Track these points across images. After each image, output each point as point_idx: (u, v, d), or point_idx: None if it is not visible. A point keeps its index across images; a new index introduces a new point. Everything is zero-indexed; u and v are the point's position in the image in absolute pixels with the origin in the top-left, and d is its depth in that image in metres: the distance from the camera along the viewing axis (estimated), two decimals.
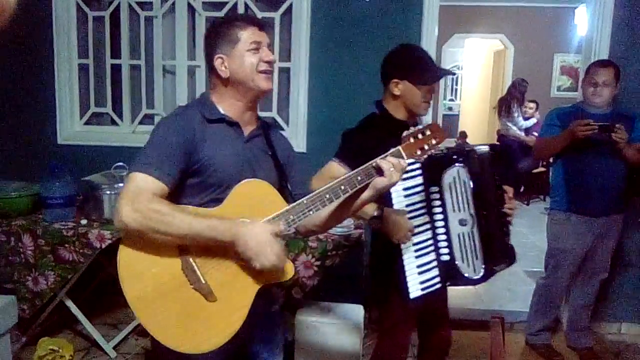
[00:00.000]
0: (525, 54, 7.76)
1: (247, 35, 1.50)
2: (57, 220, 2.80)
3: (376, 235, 2.02)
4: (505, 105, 6.67)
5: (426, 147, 1.46)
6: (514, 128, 6.56)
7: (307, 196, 1.43)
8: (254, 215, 1.42)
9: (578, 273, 3.04)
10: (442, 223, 1.89)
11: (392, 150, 1.44)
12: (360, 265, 3.37)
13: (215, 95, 1.56)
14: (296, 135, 3.38)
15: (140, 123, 3.57)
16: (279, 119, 3.46)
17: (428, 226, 1.89)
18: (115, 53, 3.54)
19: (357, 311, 2.85)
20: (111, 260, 3.23)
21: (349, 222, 2.75)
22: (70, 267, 2.75)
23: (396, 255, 1.86)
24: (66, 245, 2.72)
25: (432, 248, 1.89)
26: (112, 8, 3.47)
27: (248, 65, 1.49)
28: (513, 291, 3.97)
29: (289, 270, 1.48)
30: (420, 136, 1.46)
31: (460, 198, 1.88)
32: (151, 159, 1.40)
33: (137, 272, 1.38)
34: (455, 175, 1.87)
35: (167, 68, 3.57)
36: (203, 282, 1.40)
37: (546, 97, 7.37)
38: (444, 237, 1.89)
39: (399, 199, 1.85)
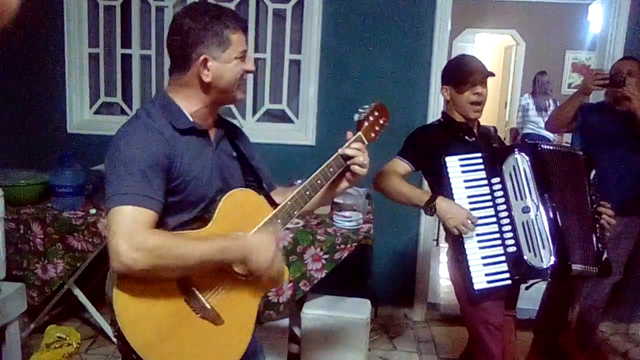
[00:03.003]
0: (537, 50, 7.69)
1: (237, 41, 1.38)
2: (66, 209, 2.81)
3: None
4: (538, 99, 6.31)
5: (377, 128, 1.58)
6: (538, 125, 6.19)
7: (290, 196, 1.46)
8: (246, 226, 1.41)
9: None
10: (505, 213, 1.92)
11: (353, 137, 1.53)
12: (369, 259, 3.37)
13: (181, 96, 1.40)
14: (306, 128, 3.37)
15: None
16: (288, 112, 3.45)
17: (493, 219, 1.92)
18: (126, 43, 3.53)
19: (364, 305, 2.85)
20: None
21: (357, 216, 2.74)
22: (79, 256, 2.76)
23: (460, 245, 1.92)
24: (75, 234, 2.73)
25: (498, 241, 1.91)
26: None
27: (234, 74, 1.39)
28: (521, 289, 3.95)
29: (285, 274, 1.51)
30: (371, 118, 1.56)
31: (521, 185, 1.93)
32: (131, 185, 1.23)
33: (138, 315, 1.26)
34: (514, 163, 1.94)
35: None
36: (208, 307, 1.35)
37: (557, 94, 7.31)
38: (508, 227, 1.92)
39: (459, 192, 1.91)
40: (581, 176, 2.03)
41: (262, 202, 1.49)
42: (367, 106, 1.58)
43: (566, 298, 3.12)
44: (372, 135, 1.57)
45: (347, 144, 1.51)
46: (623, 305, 3.38)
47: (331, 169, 1.50)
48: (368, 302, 2.89)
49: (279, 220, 1.44)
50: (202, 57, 1.34)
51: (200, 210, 1.40)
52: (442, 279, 3.86)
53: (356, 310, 2.78)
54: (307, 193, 1.47)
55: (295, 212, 1.47)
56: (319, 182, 1.49)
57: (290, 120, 3.45)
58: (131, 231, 1.20)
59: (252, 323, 1.44)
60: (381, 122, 1.59)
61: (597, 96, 3.07)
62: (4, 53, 3.30)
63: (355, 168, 1.50)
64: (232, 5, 3.37)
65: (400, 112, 3.08)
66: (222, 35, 1.35)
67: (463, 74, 2.03)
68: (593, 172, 2.06)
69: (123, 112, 3.63)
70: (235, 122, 1.69)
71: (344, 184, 1.56)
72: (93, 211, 2.82)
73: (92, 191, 2.93)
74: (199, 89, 1.39)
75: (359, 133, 1.53)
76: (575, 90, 3.01)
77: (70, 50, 3.46)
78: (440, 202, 1.91)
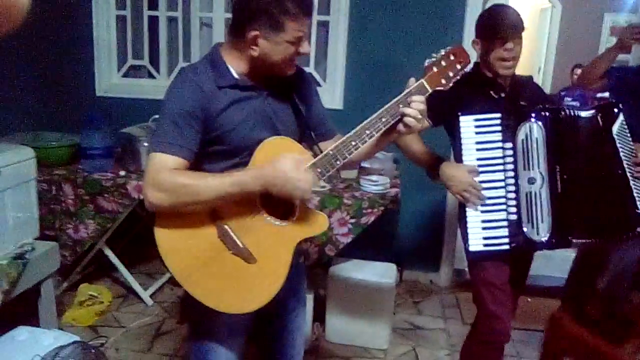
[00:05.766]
0: (574, 12, 7.41)
1: (294, 28, 1.33)
2: (96, 170, 2.85)
3: None
4: None
5: (451, 74, 1.44)
6: None
7: (334, 146, 1.40)
8: None
9: None
10: (512, 180, 1.87)
11: (414, 84, 1.42)
12: (395, 224, 3.36)
13: (231, 57, 1.42)
14: (333, 91, 3.33)
15: None
16: (315, 75, 3.40)
17: (500, 184, 1.87)
18: (153, 5, 3.51)
19: (389, 269, 2.85)
20: (148, 211, 3.29)
21: (385, 180, 2.71)
22: (110, 217, 2.81)
23: (462, 206, 1.90)
24: (105, 195, 2.77)
25: (502, 207, 1.87)
26: None
27: (283, 55, 1.37)
28: (549, 256, 3.89)
29: (323, 223, 1.47)
30: (443, 63, 1.43)
31: (531, 154, 1.86)
32: (166, 135, 1.35)
33: (175, 247, 1.40)
34: (528, 132, 1.86)
35: (204, 20, 3.53)
36: (241, 245, 1.40)
37: (589, 60, 7.06)
38: (513, 195, 1.87)
39: (469, 154, 1.85)
40: (603, 136, 1.91)
41: (301, 150, 1.45)
42: (443, 50, 1.43)
43: (595, 266, 3.06)
44: (443, 81, 1.43)
45: (405, 92, 1.40)
46: None
47: (383, 119, 1.40)
48: (394, 266, 2.89)
49: (318, 169, 1.40)
50: (253, 34, 1.34)
51: (242, 158, 1.42)
52: None
53: (382, 275, 2.79)
54: (353, 143, 1.39)
55: (338, 163, 1.40)
56: (367, 132, 1.39)
57: (317, 84, 3.40)
58: (156, 174, 1.32)
59: (286, 269, 1.43)
60: (458, 66, 1.43)
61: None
62: (32, 18, 3.31)
63: (409, 120, 1.38)
64: None
65: None
66: (278, 19, 1.32)
67: (493, 28, 1.90)
68: (619, 122, 1.93)
69: (150, 75, 3.63)
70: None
71: (395, 134, 1.45)
72: (122, 173, 2.85)
73: (121, 153, 2.97)
74: (245, 56, 1.40)
75: (422, 81, 1.41)
76: None
77: (98, 13, 3.46)
78: (444, 168, 1.87)
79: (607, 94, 2.93)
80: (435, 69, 1.43)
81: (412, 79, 1.43)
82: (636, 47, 2.76)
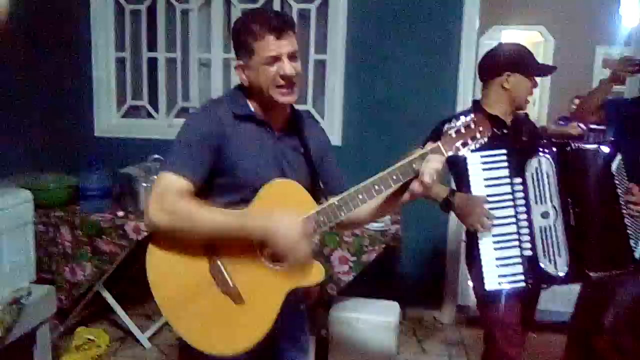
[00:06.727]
0: (566, 46, 7.52)
1: (263, 48, 1.36)
2: (95, 211, 2.83)
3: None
4: None
5: (469, 141, 1.39)
6: None
7: (339, 197, 1.38)
8: None
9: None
10: (524, 216, 1.85)
11: (431, 146, 1.37)
12: (396, 261, 3.32)
13: (247, 91, 1.48)
14: (331, 128, 3.34)
15: (176, 116, 3.58)
16: (314, 112, 3.42)
17: (511, 219, 1.85)
18: (152, 46, 3.55)
19: (392, 308, 2.81)
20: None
21: (385, 217, 2.69)
22: (107, 258, 2.78)
23: (475, 244, 1.86)
24: (103, 236, 2.75)
25: (515, 242, 1.85)
26: (149, 1, 3.49)
27: (264, 79, 1.39)
28: (554, 291, 3.84)
29: (319, 274, 1.44)
30: (462, 130, 1.39)
31: (543, 188, 1.86)
32: (178, 157, 1.37)
33: (165, 274, 1.39)
34: (537, 165, 1.87)
35: (203, 61, 3.57)
36: (231, 285, 1.38)
37: (586, 92, 7.13)
38: (526, 230, 1.85)
39: (478, 191, 1.84)
40: (603, 171, 1.93)
41: (306, 196, 1.43)
42: (464, 117, 1.40)
43: (601, 300, 3.01)
44: (460, 147, 1.38)
45: (422, 152, 1.35)
46: None
47: (394, 177, 1.34)
48: (396, 304, 2.85)
49: (321, 218, 1.37)
50: (236, 64, 1.44)
51: (247, 194, 1.41)
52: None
53: (384, 313, 2.75)
54: (360, 197, 1.35)
55: (342, 214, 1.37)
56: (376, 187, 1.35)
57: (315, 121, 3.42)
58: (162, 194, 1.33)
59: (274, 315, 1.39)
60: (477, 135, 1.38)
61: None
62: (32, 58, 3.35)
63: (425, 177, 1.30)
64: (255, 6, 3.36)
65: (428, 111, 3.02)
66: (247, 43, 1.38)
67: (541, 65, 1.98)
68: (617, 159, 1.94)
69: (149, 115, 3.65)
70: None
71: (406, 195, 1.38)
72: (121, 213, 2.83)
73: (120, 194, 2.95)
74: (248, 87, 1.45)
75: (439, 144, 1.36)
76: None
77: (97, 55, 3.51)
78: (457, 199, 1.88)
79: (603, 127, 2.96)
80: (453, 135, 1.38)
81: (430, 142, 1.40)
82: (630, 78, 2.79)
